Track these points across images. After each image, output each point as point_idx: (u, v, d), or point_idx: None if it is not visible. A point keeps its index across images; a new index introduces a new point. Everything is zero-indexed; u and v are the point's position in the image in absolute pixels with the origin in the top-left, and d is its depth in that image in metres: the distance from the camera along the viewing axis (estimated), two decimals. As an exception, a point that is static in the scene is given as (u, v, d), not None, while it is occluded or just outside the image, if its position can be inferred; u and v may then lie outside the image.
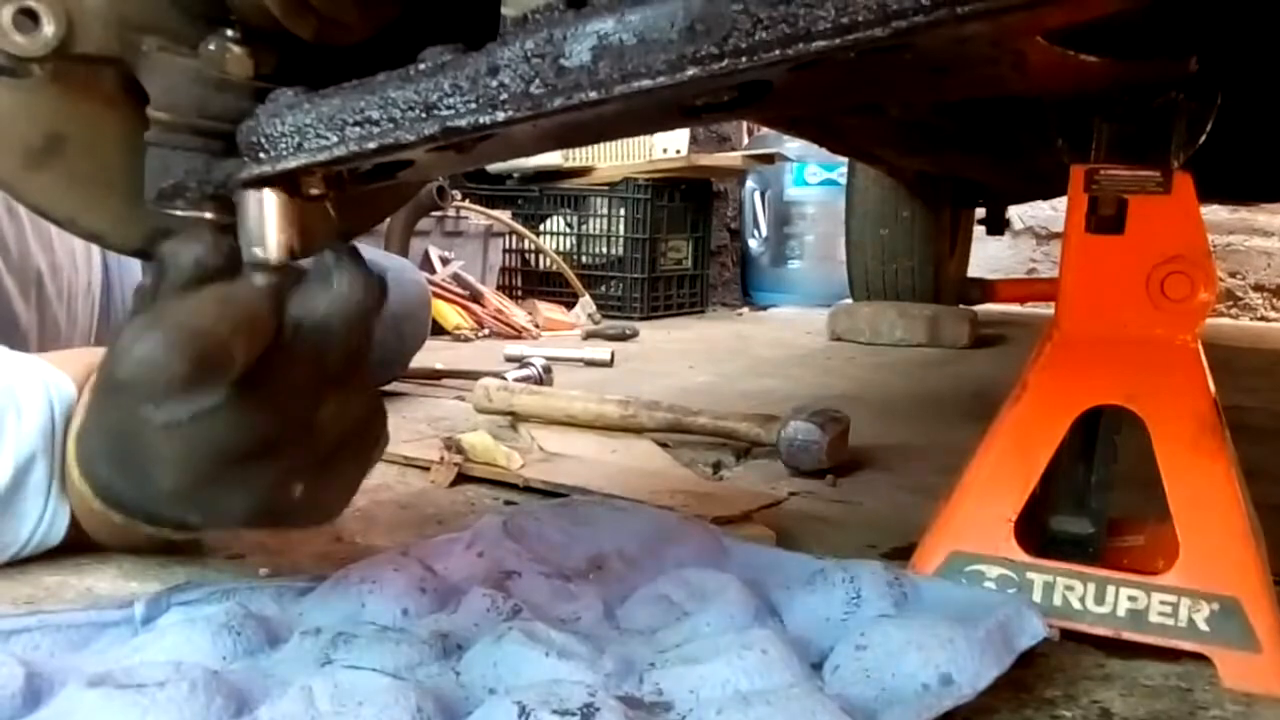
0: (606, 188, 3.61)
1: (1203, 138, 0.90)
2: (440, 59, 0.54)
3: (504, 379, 1.75)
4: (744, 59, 0.48)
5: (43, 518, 0.82)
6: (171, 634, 0.67)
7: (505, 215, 3.52)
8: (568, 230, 3.70)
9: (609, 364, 2.37)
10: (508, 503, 1.16)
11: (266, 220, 0.60)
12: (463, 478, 1.24)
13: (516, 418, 1.56)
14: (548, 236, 3.66)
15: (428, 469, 1.24)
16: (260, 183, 0.60)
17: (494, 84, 0.52)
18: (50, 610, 0.71)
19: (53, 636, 0.69)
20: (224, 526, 0.67)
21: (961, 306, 3.17)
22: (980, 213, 3.33)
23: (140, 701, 0.55)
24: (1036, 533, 0.87)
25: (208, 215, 0.64)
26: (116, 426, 0.64)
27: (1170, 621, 0.79)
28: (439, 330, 2.69)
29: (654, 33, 0.49)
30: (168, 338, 0.52)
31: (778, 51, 0.47)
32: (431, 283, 2.48)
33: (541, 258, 3.62)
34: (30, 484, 0.81)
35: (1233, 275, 4.63)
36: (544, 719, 0.54)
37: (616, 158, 3.74)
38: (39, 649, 0.67)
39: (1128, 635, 0.80)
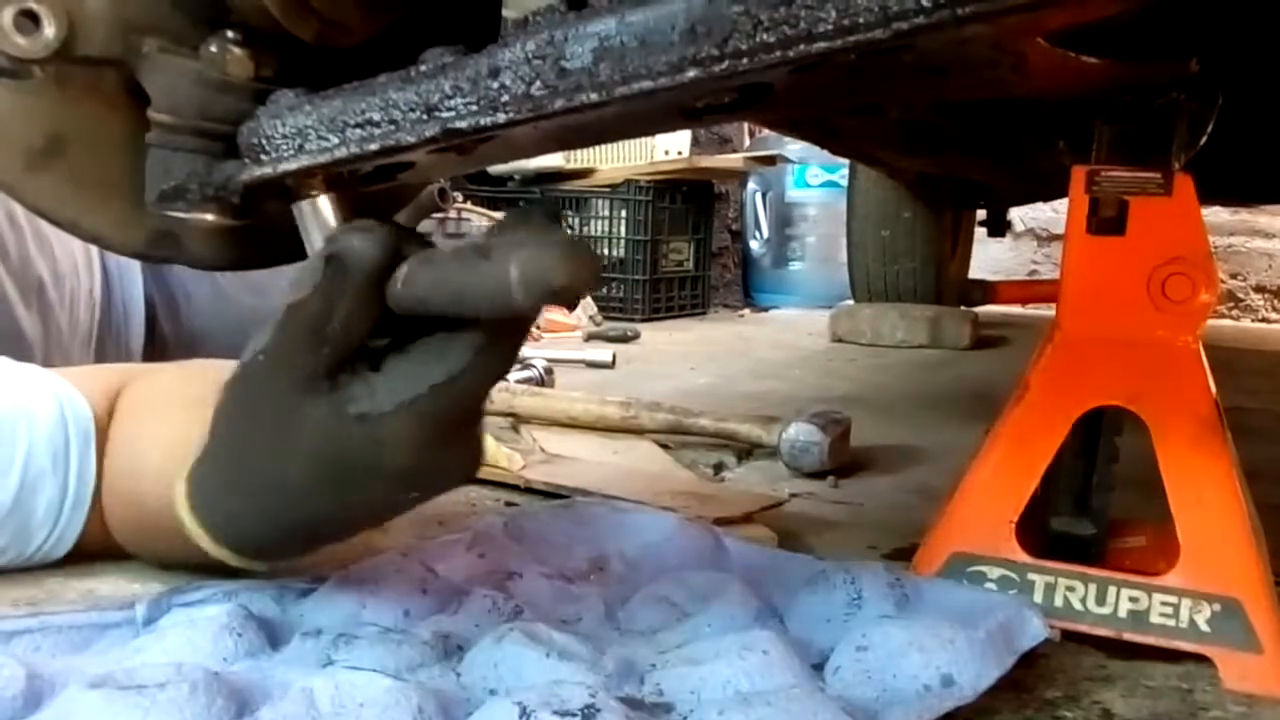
0: (608, 189, 3.61)
1: (1204, 139, 0.90)
2: (441, 60, 0.54)
3: (505, 380, 1.75)
4: (745, 61, 0.48)
5: (53, 531, 0.81)
6: (172, 635, 0.67)
7: (506, 217, 3.51)
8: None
9: (610, 365, 2.37)
10: (509, 504, 1.16)
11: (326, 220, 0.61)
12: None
13: (518, 419, 1.56)
14: (549, 238, 3.65)
15: (429, 470, 1.23)
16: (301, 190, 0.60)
17: (495, 86, 0.52)
18: (51, 611, 0.72)
19: (54, 638, 0.69)
20: (392, 515, 0.67)
21: (963, 308, 3.17)
22: (981, 214, 3.32)
23: (141, 703, 0.55)
24: (1038, 534, 0.87)
25: (209, 217, 0.64)
26: (317, 440, 0.60)
27: (1171, 622, 0.79)
28: (440, 331, 2.69)
29: (655, 34, 0.49)
30: None
31: (779, 53, 0.47)
32: (433, 284, 2.47)
33: (543, 259, 3.61)
34: (40, 498, 0.80)
35: (1234, 277, 4.63)
36: (545, 720, 0.54)
37: (618, 159, 3.74)
38: (40, 650, 0.67)
39: (1129, 636, 0.80)
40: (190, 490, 0.69)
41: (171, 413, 0.70)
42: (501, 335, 0.57)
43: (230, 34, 0.63)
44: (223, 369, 0.83)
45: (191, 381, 0.83)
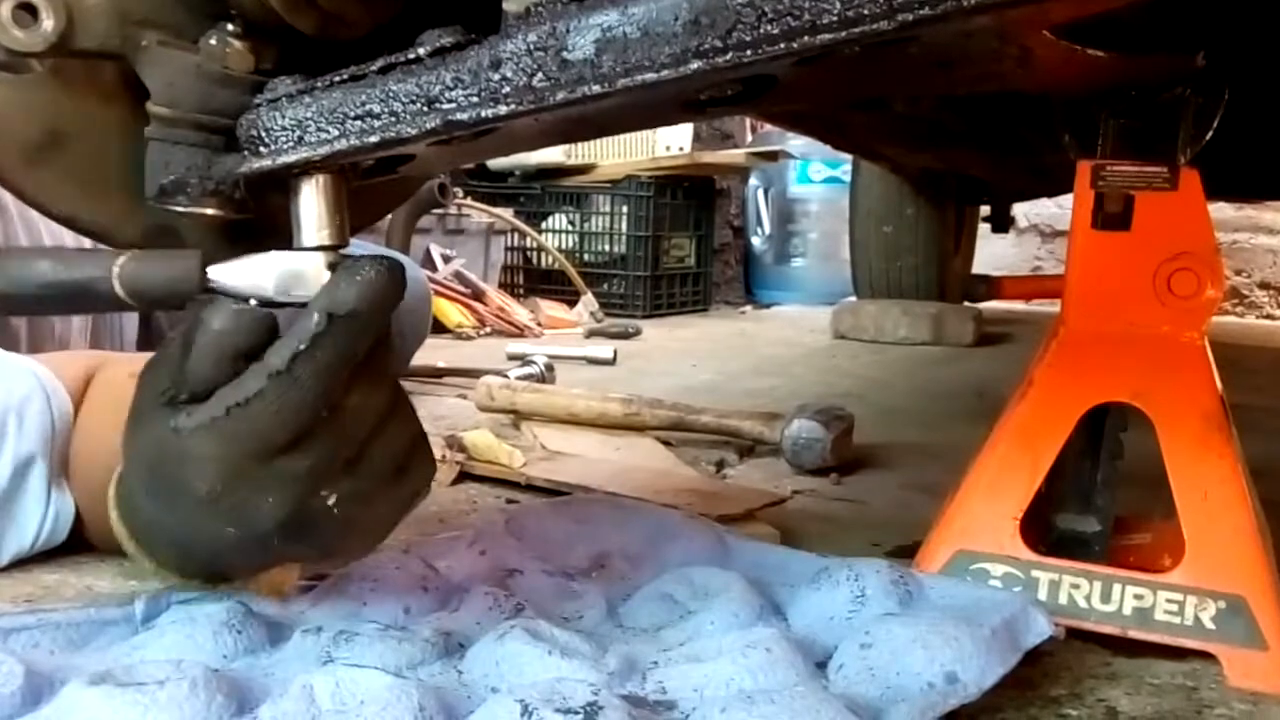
0: (609, 185, 3.61)
1: (1210, 133, 0.89)
2: (439, 42, 0.53)
3: (506, 377, 1.75)
4: (748, 52, 0.47)
5: (45, 518, 0.82)
6: (172, 632, 0.67)
7: (507, 213, 3.51)
8: (570, 228, 3.69)
9: (611, 362, 2.37)
10: (510, 501, 1.16)
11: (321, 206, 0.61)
12: (465, 476, 1.23)
13: (519, 416, 1.56)
14: (550, 234, 3.66)
15: (430, 467, 1.23)
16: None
17: (496, 77, 0.52)
18: (50, 608, 0.71)
19: (53, 635, 0.68)
20: (259, 551, 0.65)
21: (966, 304, 3.16)
22: (985, 210, 3.32)
23: (140, 700, 0.55)
24: (1042, 531, 0.87)
25: (208, 211, 0.63)
26: (150, 452, 0.63)
27: (1176, 620, 0.78)
28: (440, 328, 2.69)
29: (658, 25, 0.49)
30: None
31: (782, 45, 0.47)
32: (433, 280, 2.48)
33: (543, 255, 3.62)
34: (30, 486, 0.81)
35: (1238, 273, 4.62)
36: (547, 717, 0.54)
37: (619, 155, 3.73)
38: (39, 647, 0.67)
39: (1134, 633, 0.79)
40: (116, 498, 0.71)
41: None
42: (299, 366, 0.57)
43: (230, 27, 0.62)
44: None
45: None
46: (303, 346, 0.57)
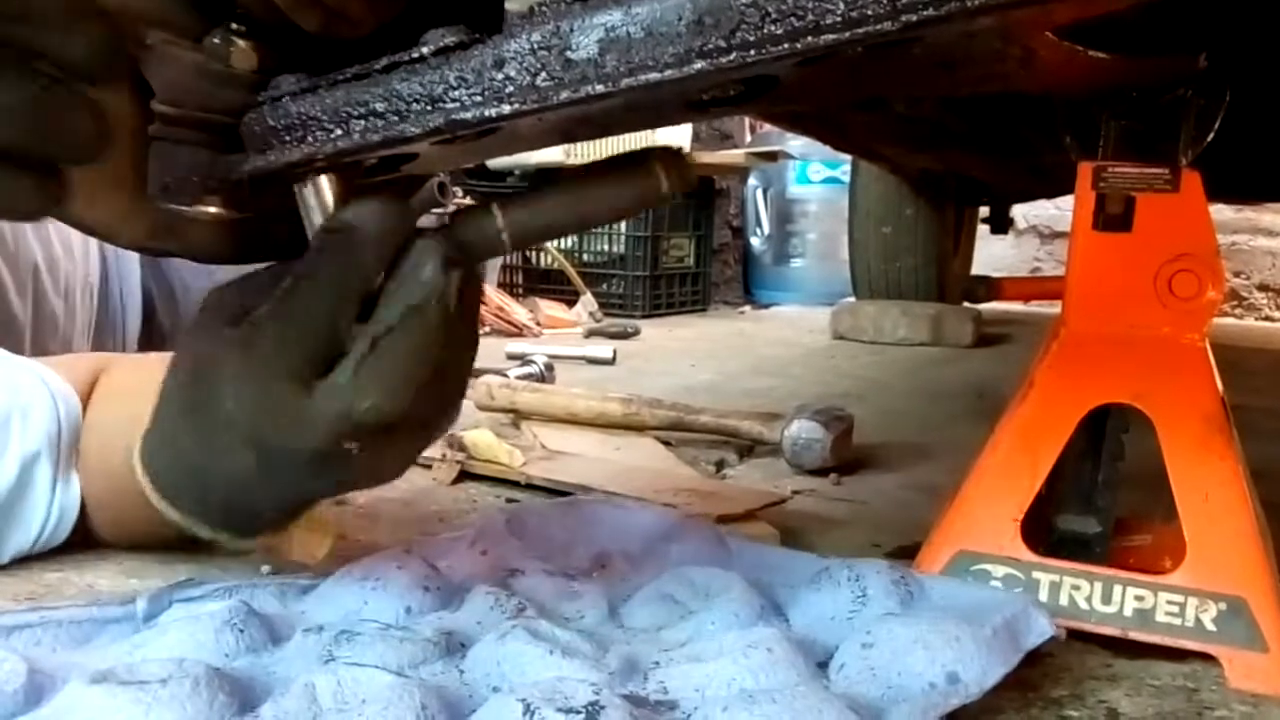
0: (609, 185, 3.60)
1: (1211, 135, 0.89)
2: (443, 41, 0.53)
3: (506, 376, 1.75)
4: (752, 53, 0.48)
5: (49, 516, 0.83)
6: (174, 631, 0.67)
7: (507, 212, 3.51)
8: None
9: (611, 362, 2.37)
10: (510, 500, 1.16)
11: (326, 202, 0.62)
12: (465, 475, 1.23)
13: (518, 415, 1.56)
14: (550, 234, 3.65)
15: (430, 467, 1.23)
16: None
17: (500, 77, 0.52)
18: (52, 606, 0.71)
19: (54, 633, 0.68)
20: (283, 495, 0.67)
21: (965, 305, 3.16)
22: (984, 211, 3.32)
23: (142, 699, 0.55)
24: (1043, 532, 0.87)
25: (212, 209, 0.63)
26: (189, 375, 0.65)
27: (1177, 621, 0.78)
28: (441, 327, 2.69)
29: (661, 25, 0.49)
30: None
31: (786, 45, 0.47)
32: (434, 280, 2.47)
33: (543, 255, 3.62)
34: (35, 486, 0.81)
35: (1237, 275, 4.62)
36: (549, 716, 0.54)
37: (619, 155, 3.73)
38: (40, 645, 0.67)
39: (1134, 635, 0.79)
40: (142, 446, 0.70)
41: (143, 398, 0.70)
42: (303, 288, 0.60)
43: (234, 26, 0.62)
44: None
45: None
46: (302, 269, 0.60)
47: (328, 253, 0.61)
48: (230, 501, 0.68)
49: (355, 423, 0.61)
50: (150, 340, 1.41)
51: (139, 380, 0.81)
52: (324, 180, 0.61)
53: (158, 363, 0.83)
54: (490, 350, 2.45)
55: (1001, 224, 3.29)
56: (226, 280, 0.66)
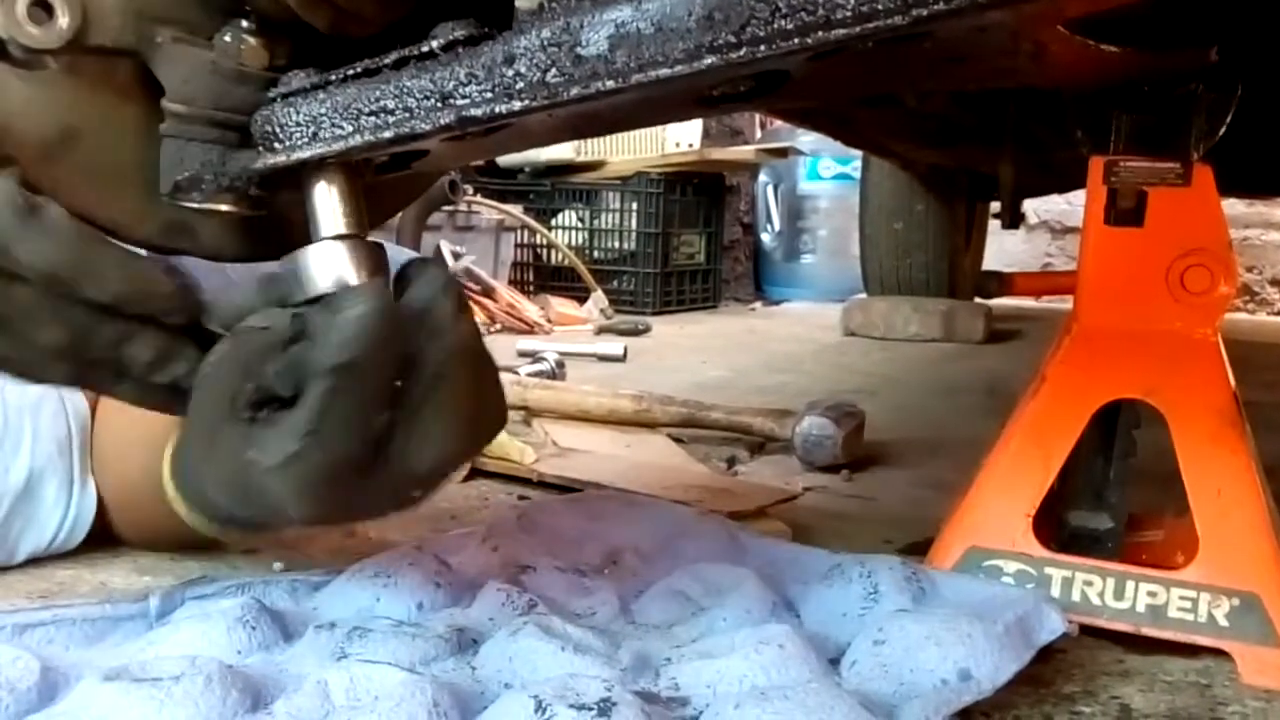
0: (619, 182, 3.60)
1: (1223, 129, 0.89)
2: (452, 35, 0.53)
3: (517, 374, 1.75)
4: (762, 48, 0.47)
5: (65, 518, 0.83)
6: (186, 628, 0.67)
7: (517, 210, 3.51)
8: (580, 225, 3.69)
9: (622, 359, 2.36)
10: (521, 497, 1.16)
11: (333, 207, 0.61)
12: (476, 472, 1.23)
13: (530, 412, 1.56)
14: (560, 231, 3.66)
15: (441, 463, 1.23)
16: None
17: (510, 73, 0.52)
18: (65, 604, 0.71)
19: (68, 631, 0.69)
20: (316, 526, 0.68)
21: (976, 301, 3.15)
22: (995, 206, 3.31)
23: (156, 695, 0.55)
24: (1055, 528, 0.87)
25: (223, 207, 0.63)
26: (234, 472, 0.61)
27: (1190, 617, 0.78)
28: (451, 325, 2.69)
29: (672, 21, 0.49)
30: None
31: (796, 40, 0.47)
32: (444, 277, 2.47)
33: (553, 252, 3.62)
34: (47, 487, 0.82)
35: (1250, 270, 4.60)
36: (561, 713, 0.54)
37: (629, 151, 3.73)
38: (54, 643, 0.67)
39: (1147, 631, 0.79)
40: (172, 459, 0.69)
41: None
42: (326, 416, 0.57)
43: (245, 23, 0.62)
44: None
45: None
46: (317, 404, 0.56)
47: (343, 385, 0.57)
48: (277, 527, 0.68)
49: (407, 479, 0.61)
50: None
51: None
52: (334, 180, 0.61)
53: None
54: (501, 347, 2.45)
55: (1013, 219, 3.27)
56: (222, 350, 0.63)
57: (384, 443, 0.59)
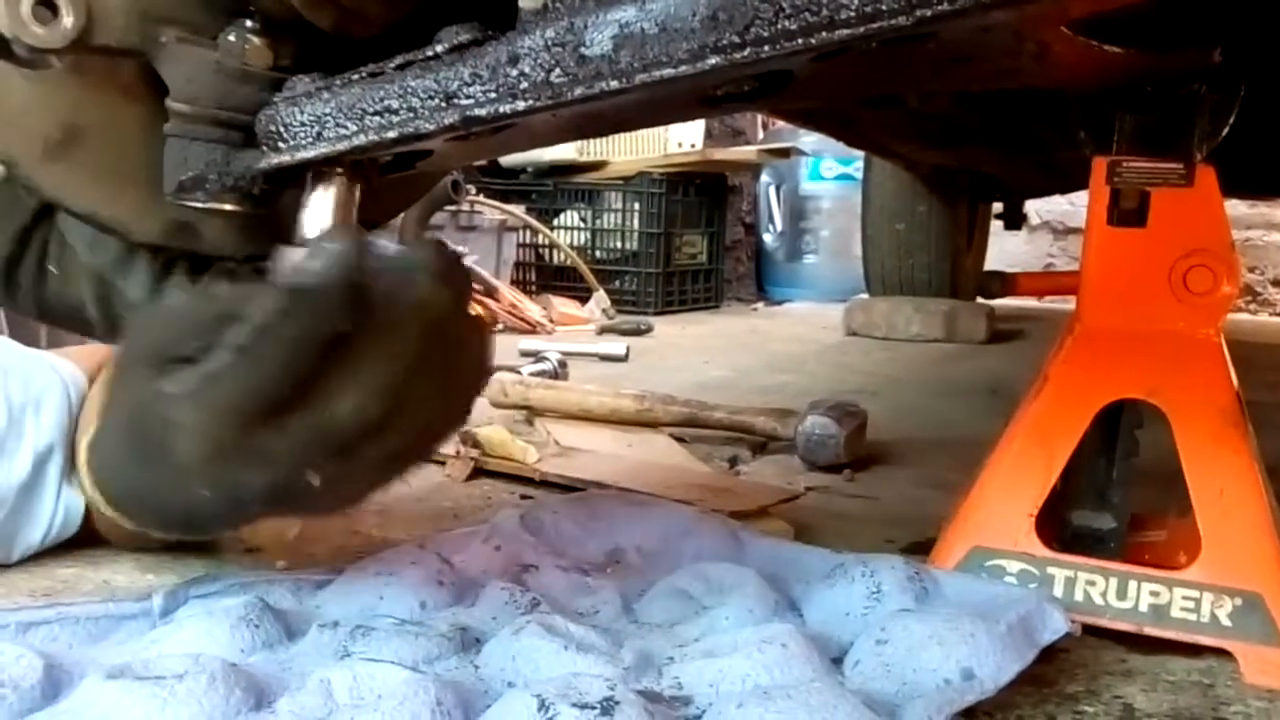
0: (621, 182, 3.60)
1: (1226, 130, 0.89)
2: (457, 38, 0.53)
3: (519, 373, 1.75)
4: (767, 48, 0.48)
5: (55, 512, 0.82)
6: (189, 626, 0.67)
7: (519, 209, 3.51)
8: (582, 225, 3.69)
9: (624, 359, 2.37)
10: (524, 497, 1.16)
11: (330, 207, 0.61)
12: (479, 472, 1.23)
13: (532, 412, 1.56)
14: (562, 231, 3.66)
15: (444, 463, 1.24)
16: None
17: (514, 73, 0.52)
18: (68, 603, 0.72)
19: (71, 629, 0.69)
20: (238, 515, 0.64)
21: (979, 301, 3.16)
22: (997, 207, 3.31)
23: (159, 694, 0.55)
24: (1057, 528, 0.87)
25: (227, 207, 0.64)
26: (132, 414, 0.62)
27: (1192, 617, 0.78)
28: (453, 325, 2.69)
29: (676, 21, 0.49)
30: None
31: (800, 40, 0.47)
32: (447, 277, 2.47)
33: (555, 252, 3.62)
34: (47, 479, 0.81)
35: (1252, 270, 4.60)
36: (564, 712, 0.54)
37: (631, 152, 3.73)
38: (57, 641, 0.67)
39: (1150, 630, 0.79)
40: (88, 458, 0.70)
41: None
42: (259, 341, 0.56)
43: (249, 23, 0.63)
44: None
45: None
46: (261, 321, 0.56)
47: (292, 309, 0.56)
48: (189, 520, 0.65)
49: (323, 440, 0.59)
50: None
51: None
52: (333, 183, 0.61)
53: None
54: (503, 347, 2.45)
55: (1015, 219, 3.27)
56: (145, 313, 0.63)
57: (307, 386, 0.57)
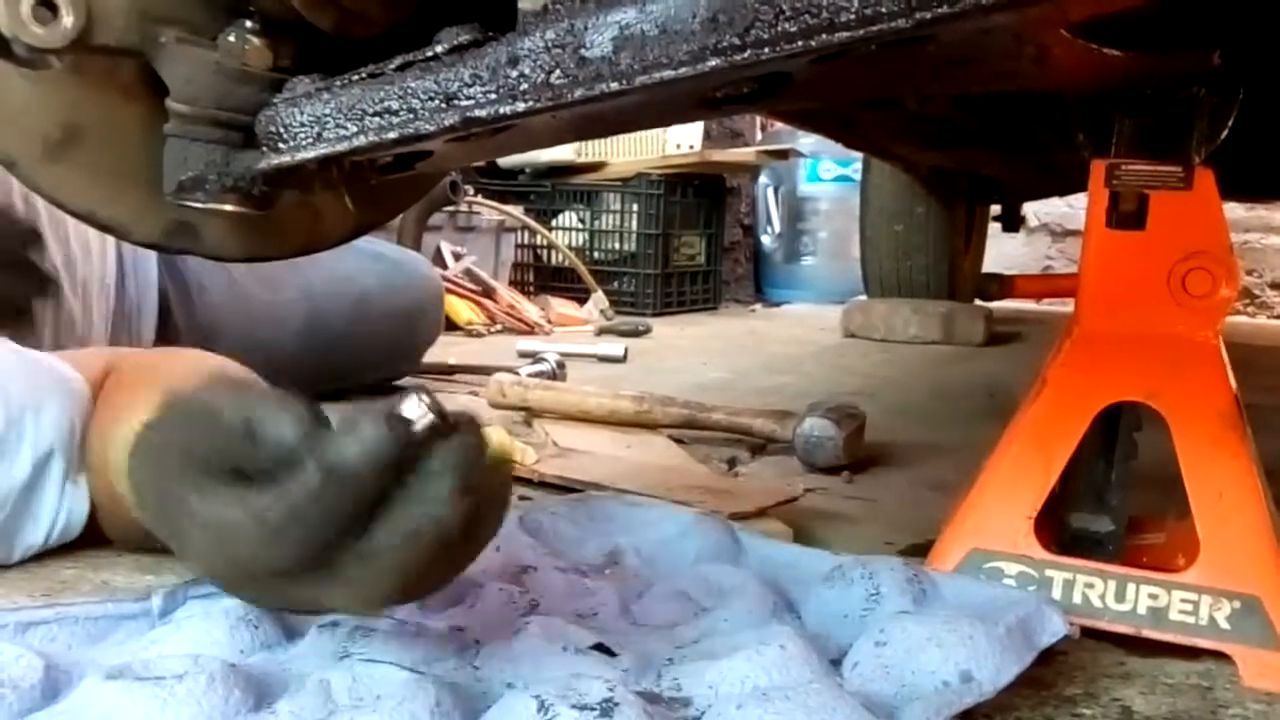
0: (619, 183, 3.60)
1: (1225, 133, 0.89)
2: (457, 40, 0.54)
3: (518, 374, 1.75)
4: (766, 50, 0.48)
5: (58, 513, 0.83)
6: (189, 627, 0.67)
7: (518, 210, 3.51)
8: (580, 225, 3.69)
9: (622, 360, 2.37)
10: (522, 498, 1.16)
11: None
12: (478, 472, 1.23)
13: (530, 413, 1.56)
14: (560, 232, 3.66)
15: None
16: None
17: (514, 74, 0.52)
18: (68, 603, 0.71)
19: (70, 629, 0.69)
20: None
21: (977, 303, 3.16)
22: (995, 209, 3.31)
23: (159, 694, 0.55)
24: (1056, 530, 0.87)
25: (226, 207, 0.64)
26: (221, 527, 0.55)
27: (1191, 619, 0.78)
28: (451, 325, 2.69)
29: (676, 23, 0.49)
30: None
31: (800, 43, 0.47)
32: (444, 278, 2.48)
33: (554, 253, 3.62)
34: (48, 481, 0.82)
35: (1250, 273, 4.60)
36: (563, 713, 0.54)
37: (630, 153, 3.73)
38: (56, 641, 0.67)
39: (1148, 633, 0.79)
40: (132, 466, 0.63)
41: (141, 392, 0.69)
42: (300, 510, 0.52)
43: (249, 24, 0.63)
44: (206, 357, 0.83)
45: (172, 364, 0.84)
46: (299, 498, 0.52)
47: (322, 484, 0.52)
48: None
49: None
50: (165, 339, 1.41)
51: (139, 377, 0.82)
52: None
53: (162, 359, 0.83)
54: (502, 348, 2.45)
55: (1013, 221, 3.27)
56: (169, 412, 0.57)
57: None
